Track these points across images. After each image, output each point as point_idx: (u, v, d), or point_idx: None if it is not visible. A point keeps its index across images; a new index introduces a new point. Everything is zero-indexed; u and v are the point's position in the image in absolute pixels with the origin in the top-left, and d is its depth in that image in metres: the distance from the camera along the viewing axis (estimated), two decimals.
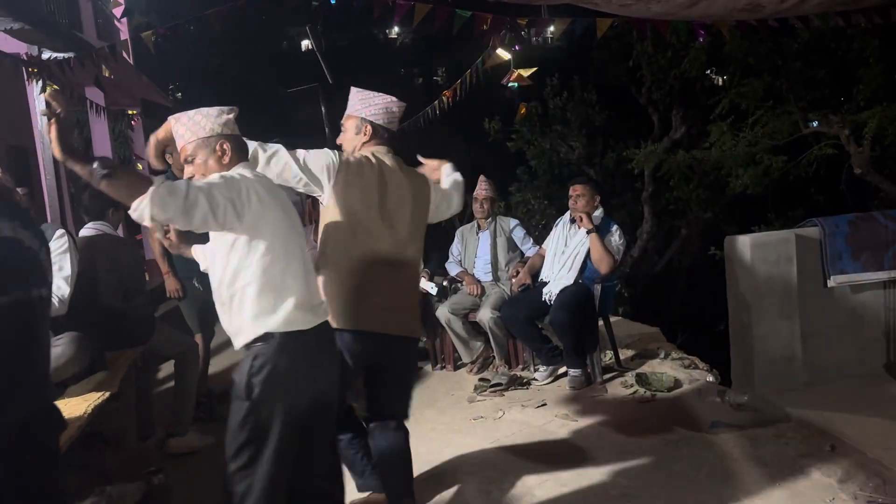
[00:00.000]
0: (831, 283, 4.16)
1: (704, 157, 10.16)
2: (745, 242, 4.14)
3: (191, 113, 2.21)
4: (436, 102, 6.87)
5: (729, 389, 4.20)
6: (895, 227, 4.18)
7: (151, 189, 1.90)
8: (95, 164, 1.86)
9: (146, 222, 1.96)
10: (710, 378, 4.49)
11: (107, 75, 5.01)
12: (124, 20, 8.77)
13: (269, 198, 2.14)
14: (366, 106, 2.83)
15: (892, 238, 4.16)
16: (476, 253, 5.29)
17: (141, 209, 1.91)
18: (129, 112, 10.66)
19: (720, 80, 12.07)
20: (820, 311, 4.21)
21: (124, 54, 5.54)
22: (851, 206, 8.34)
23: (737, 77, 9.74)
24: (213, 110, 2.19)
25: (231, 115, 2.22)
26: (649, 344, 5.27)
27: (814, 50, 8.92)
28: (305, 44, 23.53)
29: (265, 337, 2.13)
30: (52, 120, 1.85)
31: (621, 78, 12.40)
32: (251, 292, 2.12)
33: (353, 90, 2.89)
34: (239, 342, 2.18)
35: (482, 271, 5.21)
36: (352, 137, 2.86)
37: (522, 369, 5.00)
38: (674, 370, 4.64)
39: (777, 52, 8.86)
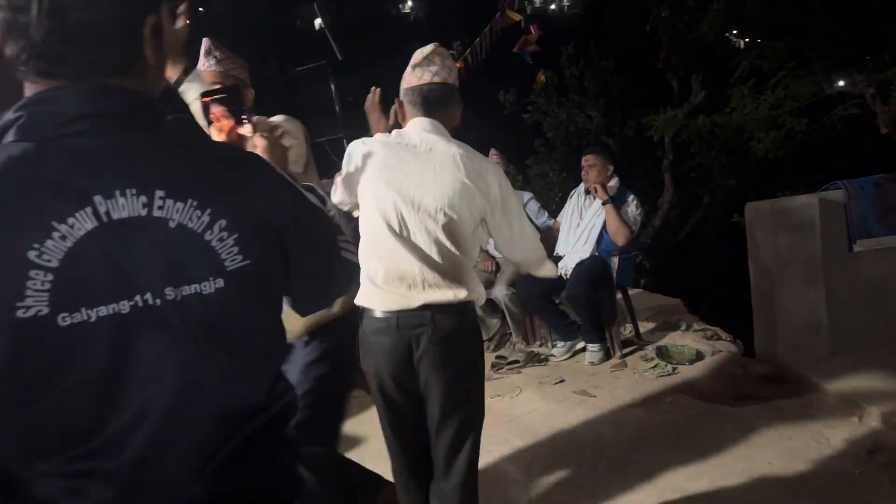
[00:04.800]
0: (857, 247, 4.02)
1: (725, 121, 9.92)
2: (765, 209, 4.01)
3: None
4: None
5: (753, 360, 4.11)
6: None
7: None
8: None
9: None
10: (734, 349, 4.39)
11: None
12: None
13: None
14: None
15: None
16: None
17: None
18: None
19: (741, 42, 11.77)
20: (845, 277, 4.07)
21: None
22: (877, 168, 8.09)
23: (757, 38, 9.45)
24: None
25: None
26: (670, 316, 5.16)
27: (838, 7, 8.63)
28: (318, 22, 23.37)
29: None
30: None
31: (638, 43, 12.13)
32: None
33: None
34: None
35: (496, 247, 5.12)
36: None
37: (540, 345, 4.93)
38: (696, 342, 4.53)
39: (799, 10, 8.58)
